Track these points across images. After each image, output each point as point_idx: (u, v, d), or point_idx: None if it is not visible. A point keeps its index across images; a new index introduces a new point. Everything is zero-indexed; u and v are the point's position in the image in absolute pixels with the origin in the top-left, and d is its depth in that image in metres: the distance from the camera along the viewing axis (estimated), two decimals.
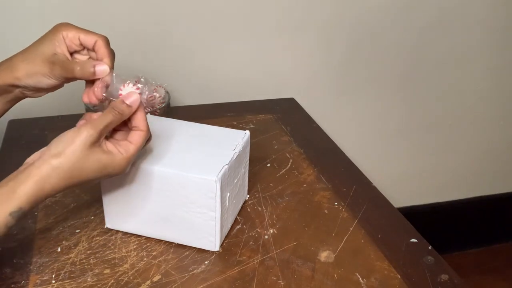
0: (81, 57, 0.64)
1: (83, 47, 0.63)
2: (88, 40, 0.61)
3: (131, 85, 0.61)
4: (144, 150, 0.66)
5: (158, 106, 0.93)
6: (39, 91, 0.64)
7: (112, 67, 0.61)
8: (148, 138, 0.60)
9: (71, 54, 0.63)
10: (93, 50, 0.62)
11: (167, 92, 0.97)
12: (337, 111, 1.29)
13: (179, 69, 1.12)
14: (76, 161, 0.54)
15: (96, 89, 0.61)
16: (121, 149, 0.57)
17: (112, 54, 0.62)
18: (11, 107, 0.67)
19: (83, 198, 0.76)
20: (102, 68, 0.61)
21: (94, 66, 0.60)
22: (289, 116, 1.09)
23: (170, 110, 0.95)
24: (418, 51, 1.28)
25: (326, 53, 1.21)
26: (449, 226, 1.59)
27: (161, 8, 1.04)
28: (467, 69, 1.35)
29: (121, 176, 0.64)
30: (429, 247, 0.71)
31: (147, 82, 0.99)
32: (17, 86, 0.62)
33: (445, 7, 1.23)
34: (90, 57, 0.64)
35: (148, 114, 0.79)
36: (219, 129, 0.74)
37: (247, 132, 0.73)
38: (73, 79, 0.62)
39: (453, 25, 1.27)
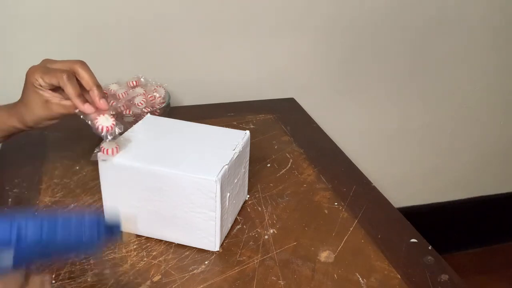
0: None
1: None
2: (53, 82, 0.63)
3: (107, 116, 0.64)
4: (144, 150, 0.67)
5: (158, 106, 0.93)
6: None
7: (79, 102, 0.63)
8: None
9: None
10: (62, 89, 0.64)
11: (167, 92, 0.97)
12: (337, 111, 1.29)
13: (179, 69, 1.12)
14: None
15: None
16: None
17: (78, 89, 0.63)
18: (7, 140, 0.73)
19: (83, 198, 0.76)
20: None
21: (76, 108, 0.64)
22: (289, 116, 1.09)
23: (170, 110, 0.95)
24: (418, 51, 1.28)
25: (326, 53, 1.21)
26: (449, 226, 1.59)
27: (162, 9, 1.04)
28: (467, 69, 1.35)
29: (121, 176, 0.64)
30: (429, 247, 0.71)
31: (147, 82, 1.00)
32: (23, 130, 0.70)
33: (444, 7, 1.23)
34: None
35: (148, 114, 0.79)
36: (219, 129, 0.74)
37: (247, 132, 0.73)
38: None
39: (453, 25, 1.27)
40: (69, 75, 0.62)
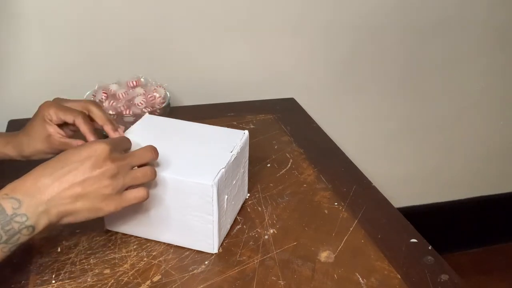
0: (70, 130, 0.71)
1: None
2: (67, 118, 0.67)
3: None
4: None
5: (158, 106, 0.93)
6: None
7: (93, 138, 0.67)
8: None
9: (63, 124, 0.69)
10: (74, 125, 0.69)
11: (167, 92, 0.97)
12: (337, 111, 1.29)
13: (179, 69, 1.12)
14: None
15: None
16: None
17: (92, 126, 0.68)
18: None
19: None
20: None
21: None
22: (289, 116, 1.09)
23: (170, 110, 0.95)
24: (418, 51, 1.28)
25: (326, 53, 1.21)
26: (449, 226, 1.59)
27: (161, 9, 1.04)
28: (467, 69, 1.35)
29: None
30: (429, 247, 0.71)
31: (147, 82, 1.00)
32: (13, 159, 0.71)
33: (445, 7, 1.23)
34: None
35: (147, 114, 0.79)
36: (218, 129, 0.74)
37: (246, 132, 0.73)
38: None
39: (453, 25, 1.27)
40: (84, 114, 0.67)
